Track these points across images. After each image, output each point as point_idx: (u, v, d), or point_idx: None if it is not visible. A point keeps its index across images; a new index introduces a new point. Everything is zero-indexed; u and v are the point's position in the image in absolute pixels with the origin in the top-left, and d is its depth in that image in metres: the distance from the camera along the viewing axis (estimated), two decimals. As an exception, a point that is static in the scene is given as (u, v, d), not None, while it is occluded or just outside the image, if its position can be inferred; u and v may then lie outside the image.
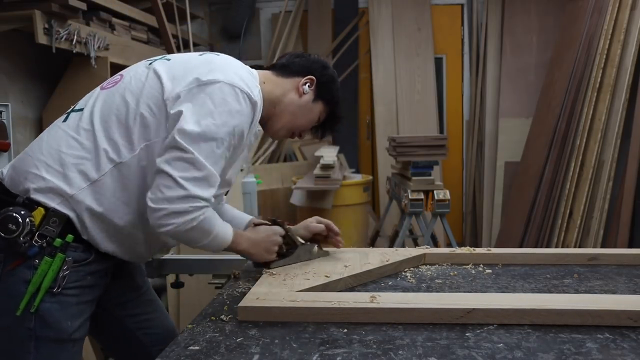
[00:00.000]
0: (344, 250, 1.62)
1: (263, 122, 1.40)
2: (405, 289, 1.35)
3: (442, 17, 4.78)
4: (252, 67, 1.40)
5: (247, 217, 1.58)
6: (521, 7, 4.48)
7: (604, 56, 3.46)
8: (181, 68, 1.25)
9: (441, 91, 4.83)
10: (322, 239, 1.60)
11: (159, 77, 1.24)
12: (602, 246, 3.41)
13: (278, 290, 1.24)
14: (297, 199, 3.67)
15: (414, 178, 3.03)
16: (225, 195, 1.50)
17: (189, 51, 3.96)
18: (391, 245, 3.56)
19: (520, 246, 3.80)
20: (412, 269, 1.55)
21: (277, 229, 1.47)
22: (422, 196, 2.97)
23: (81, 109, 1.27)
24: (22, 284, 1.16)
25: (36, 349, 1.17)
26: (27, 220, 1.14)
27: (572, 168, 3.50)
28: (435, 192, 2.98)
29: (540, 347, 0.97)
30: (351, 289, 1.36)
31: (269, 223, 1.51)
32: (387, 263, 1.48)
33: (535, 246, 3.67)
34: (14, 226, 1.13)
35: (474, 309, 1.09)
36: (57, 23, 2.49)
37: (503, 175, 4.47)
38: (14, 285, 1.16)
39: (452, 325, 1.08)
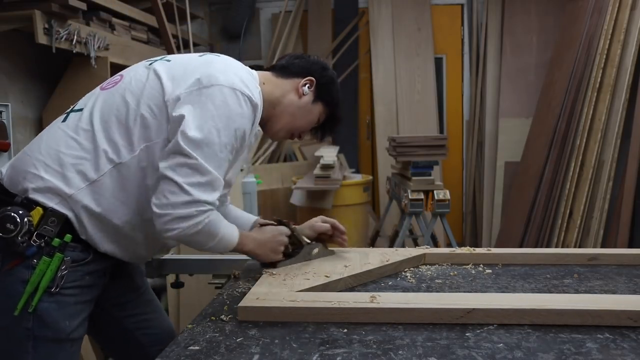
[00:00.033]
0: (344, 250, 1.62)
1: (262, 123, 1.40)
2: (405, 289, 1.35)
3: (442, 17, 4.78)
4: (251, 67, 1.40)
5: (252, 218, 1.58)
6: (521, 7, 4.48)
7: (604, 56, 3.46)
8: (181, 69, 1.25)
9: (441, 91, 4.83)
10: (327, 238, 1.61)
11: (159, 78, 1.24)
12: (602, 246, 3.41)
13: (278, 290, 1.24)
14: (297, 199, 3.67)
15: (414, 178, 3.03)
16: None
17: (189, 51, 3.96)
18: (391, 245, 3.56)
19: (520, 246, 3.80)
20: (412, 269, 1.55)
21: (283, 229, 1.47)
22: (422, 196, 2.96)
23: (80, 109, 1.27)
24: (20, 283, 1.16)
25: (34, 348, 1.17)
26: (25, 219, 1.14)
27: (572, 168, 3.50)
28: (435, 192, 2.98)
29: (540, 347, 0.97)
30: (351, 289, 1.36)
31: (275, 223, 1.51)
32: (387, 263, 1.48)
33: (535, 246, 3.67)
34: (12, 226, 1.13)
35: (474, 309, 1.09)
36: (57, 23, 2.49)
37: (503, 175, 4.47)
38: (12, 285, 1.16)
39: (452, 325, 1.08)
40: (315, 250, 1.55)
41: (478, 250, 1.65)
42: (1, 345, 1.20)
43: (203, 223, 1.20)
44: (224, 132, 1.19)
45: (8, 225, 1.13)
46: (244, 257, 1.66)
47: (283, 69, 1.43)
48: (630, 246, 3.32)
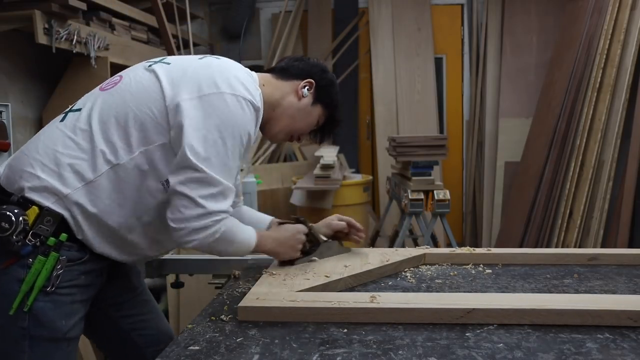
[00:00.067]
0: (360, 250, 1.64)
1: (261, 125, 1.39)
2: (405, 289, 1.35)
3: (442, 17, 4.78)
4: (251, 67, 1.39)
5: (267, 218, 1.60)
6: (521, 7, 4.48)
7: (604, 56, 3.46)
8: (181, 74, 1.24)
9: (441, 91, 4.83)
10: (343, 236, 1.62)
11: (159, 81, 1.23)
12: (602, 246, 3.41)
13: (278, 290, 1.24)
14: (297, 199, 3.67)
15: (414, 178, 3.03)
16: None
17: (189, 51, 3.96)
18: (391, 245, 3.56)
19: (520, 246, 3.80)
20: (412, 269, 1.55)
21: (301, 227, 1.49)
22: (422, 196, 2.96)
23: (79, 109, 1.27)
24: (16, 283, 1.15)
25: (30, 348, 1.17)
26: (21, 218, 1.14)
27: (572, 168, 3.50)
28: (435, 192, 2.98)
29: (540, 347, 0.97)
30: (351, 289, 1.36)
31: (293, 222, 1.53)
32: (387, 263, 1.49)
33: (535, 246, 3.67)
34: (6, 224, 1.13)
35: (474, 309, 1.09)
36: (57, 23, 2.49)
37: (503, 175, 4.47)
38: (8, 284, 1.16)
39: (452, 325, 1.08)
40: (332, 248, 1.58)
41: (478, 250, 1.65)
42: None
43: (220, 232, 1.23)
44: (229, 140, 1.20)
45: (3, 224, 1.13)
46: (244, 257, 1.67)
47: (283, 71, 1.43)
48: (630, 246, 3.32)
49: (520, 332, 1.04)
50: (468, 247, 1.68)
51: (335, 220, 1.60)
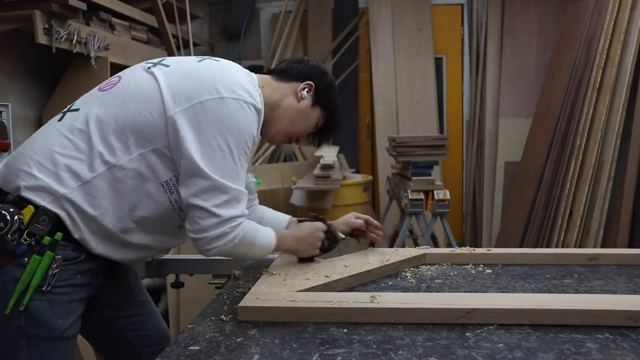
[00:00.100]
0: (377, 249, 1.66)
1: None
2: (405, 289, 1.35)
3: (442, 17, 4.78)
4: (250, 67, 1.39)
5: (286, 217, 1.62)
6: (521, 7, 4.48)
7: (604, 56, 3.46)
8: (181, 79, 1.23)
9: (441, 91, 4.83)
10: (361, 234, 1.65)
11: (159, 87, 1.22)
12: (602, 246, 3.41)
13: (278, 290, 1.24)
14: (297, 199, 3.67)
15: (414, 178, 3.03)
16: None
17: (189, 51, 3.96)
18: (391, 245, 3.56)
19: (520, 246, 3.80)
20: (412, 269, 1.55)
21: (320, 224, 1.52)
22: (422, 196, 2.96)
23: (77, 109, 1.26)
24: (11, 282, 1.15)
25: (28, 347, 1.17)
26: (16, 217, 1.14)
27: (572, 168, 3.50)
28: (435, 192, 2.98)
29: (540, 347, 0.97)
30: (351, 289, 1.36)
31: (312, 220, 1.56)
32: (387, 263, 1.49)
33: (535, 246, 3.67)
34: (1, 223, 1.12)
35: (474, 309, 1.09)
36: (57, 23, 2.49)
37: (503, 175, 4.47)
38: (3, 283, 1.16)
39: (452, 325, 1.08)
40: (350, 245, 1.61)
41: (478, 250, 1.65)
42: None
43: (239, 237, 1.24)
44: (234, 144, 1.20)
45: None
46: (242, 259, 1.67)
47: (282, 73, 1.43)
48: (630, 246, 3.32)
49: (520, 332, 1.04)
50: (468, 247, 1.68)
51: (353, 218, 1.63)
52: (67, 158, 1.19)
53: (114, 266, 1.35)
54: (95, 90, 1.31)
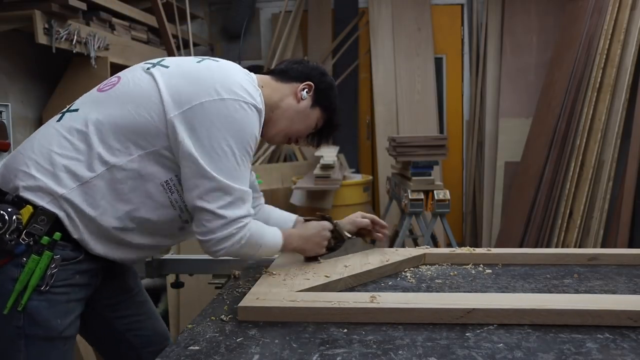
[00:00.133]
0: (383, 249, 1.66)
1: None
2: (405, 289, 1.35)
3: (442, 17, 4.78)
4: (250, 67, 1.39)
5: (292, 217, 1.63)
6: (521, 7, 4.48)
7: (604, 56, 3.46)
8: (181, 80, 1.23)
9: (441, 91, 4.83)
10: (367, 233, 1.66)
11: (158, 89, 1.21)
12: (602, 246, 3.41)
13: (278, 290, 1.24)
14: (297, 199, 3.67)
15: (414, 178, 3.03)
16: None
17: (189, 51, 3.96)
18: (391, 245, 3.56)
19: (520, 246, 3.80)
20: (412, 269, 1.55)
21: (326, 224, 1.53)
22: (422, 196, 2.96)
23: (76, 110, 1.26)
24: (10, 282, 1.15)
25: (26, 347, 1.17)
26: (14, 217, 1.13)
27: (572, 168, 3.50)
28: (435, 192, 2.98)
29: (540, 347, 0.97)
30: (351, 289, 1.36)
31: (318, 219, 1.57)
32: (387, 263, 1.49)
33: (535, 246, 3.67)
34: None
35: (474, 309, 1.09)
36: (57, 23, 2.49)
37: (503, 175, 4.47)
38: (2, 283, 1.16)
39: (452, 325, 1.08)
40: (356, 245, 1.62)
41: (478, 250, 1.65)
42: None
43: (245, 237, 1.25)
44: (237, 146, 1.20)
45: None
46: (250, 260, 1.67)
47: (282, 73, 1.43)
48: (630, 246, 3.32)
49: (520, 332, 1.04)
50: (468, 247, 1.68)
51: (359, 218, 1.64)
52: (65, 158, 1.19)
53: (113, 266, 1.35)
54: (94, 90, 1.31)
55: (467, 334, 1.04)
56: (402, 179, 3.33)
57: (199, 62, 1.30)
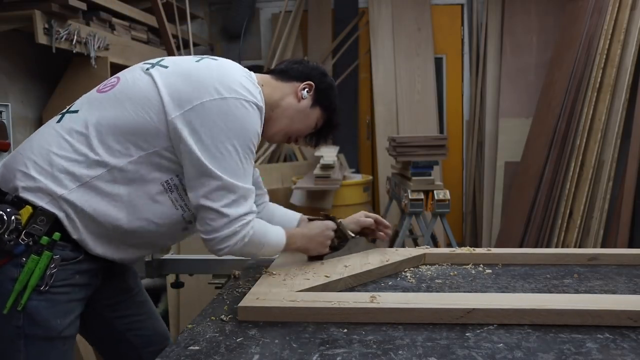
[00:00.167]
0: (385, 249, 1.66)
1: None
2: (405, 289, 1.35)
3: (442, 17, 4.78)
4: (250, 67, 1.39)
5: (296, 215, 1.63)
6: (521, 7, 4.48)
7: (604, 56, 3.46)
8: (180, 80, 1.23)
9: (441, 91, 4.83)
10: (370, 232, 1.66)
11: (157, 89, 1.21)
12: (602, 246, 3.41)
13: (278, 290, 1.24)
14: (297, 199, 3.67)
15: (414, 178, 3.03)
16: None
17: (189, 51, 3.96)
18: (391, 245, 3.56)
19: (520, 246, 3.80)
20: (412, 269, 1.55)
21: (330, 223, 1.53)
22: (422, 196, 2.96)
23: (76, 111, 1.26)
24: (10, 282, 1.15)
25: (26, 347, 1.17)
26: (13, 218, 1.13)
27: (572, 168, 3.50)
28: (435, 192, 2.98)
29: (540, 347, 0.97)
30: (351, 289, 1.36)
31: (322, 218, 1.57)
32: (387, 263, 1.49)
33: (535, 246, 3.67)
34: None
35: (474, 309, 1.09)
36: (57, 23, 2.49)
37: (503, 175, 4.47)
38: (1, 283, 1.16)
39: (452, 325, 1.08)
40: (360, 244, 1.62)
41: (478, 250, 1.65)
42: None
43: (249, 235, 1.26)
44: (239, 144, 1.20)
45: None
46: (254, 259, 1.67)
47: (282, 73, 1.44)
48: (630, 246, 3.32)
49: (520, 332, 1.04)
50: (468, 247, 1.68)
51: (362, 217, 1.63)
52: (65, 160, 1.19)
53: (112, 266, 1.35)
54: (94, 91, 1.30)
55: (467, 334, 1.04)
56: (402, 179, 3.33)
57: (198, 61, 1.30)
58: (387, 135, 4.23)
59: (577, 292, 1.31)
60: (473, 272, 1.51)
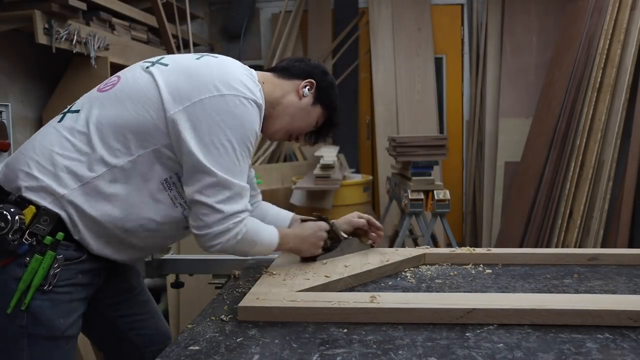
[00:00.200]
0: (379, 250, 1.65)
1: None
2: (405, 289, 1.35)
3: (442, 17, 4.78)
4: (250, 67, 1.39)
5: (289, 215, 1.63)
6: (521, 7, 4.49)
7: (604, 56, 3.46)
8: (180, 77, 1.23)
9: (441, 91, 4.83)
10: (363, 233, 1.65)
11: (157, 87, 1.22)
12: (602, 246, 3.41)
13: (278, 290, 1.24)
14: (297, 199, 3.67)
15: (414, 178, 3.03)
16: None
17: (189, 51, 3.96)
18: (391, 245, 3.56)
19: (520, 246, 3.80)
20: (412, 269, 1.55)
21: (323, 224, 1.52)
22: (422, 196, 2.97)
23: (77, 111, 1.26)
24: (13, 281, 1.16)
25: (29, 346, 1.17)
26: (17, 218, 1.14)
27: (572, 168, 3.50)
28: (435, 192, 2.98)
29: (540, 347, 0.97)
30: (351, 289, 1.36)
31: (315, 219, 1.56)
32: (387, 263, 1.48)
33: (535, 246, 3.67)
34: (2, 223, 1.13)
35: (474, 309, 1.09)
36: (57, 23, 2.49)
37: (503, 175, 4.47)
38: (6, 282, 1.16)
39: (452, 325, 1.08)
40: (352, 245, 1.61)
41: (478, 250, 1.65)
42: None
43: (242, 233, 1.25)
44: (236, 141, 1.20)
45: None
46: (244, 257, 1.67)
47: (283, 71, 1.44)
48: (630, 246, 3.32)
49: (520, 332, 1.04)
50: (468, 247, 1.68)
51: (355, 218, 1.63)
52: (66, 159, 1.20)
53: (115, 266, 1.35)
54: (94, 91, 1.31)
55: (467, 334, 1.04)
56: (402, 179, 3.33)
57: (198, 58, 1.31)
58: (387, 135, 4.23)
59: (577, 292, 1.31)
60: (473, 272, 1.51)
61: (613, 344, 0.98)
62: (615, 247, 3.27)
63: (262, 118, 1.28)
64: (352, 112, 4.71)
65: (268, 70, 1.46)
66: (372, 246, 1.67)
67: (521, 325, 1.07)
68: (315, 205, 3.52)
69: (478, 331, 1.05)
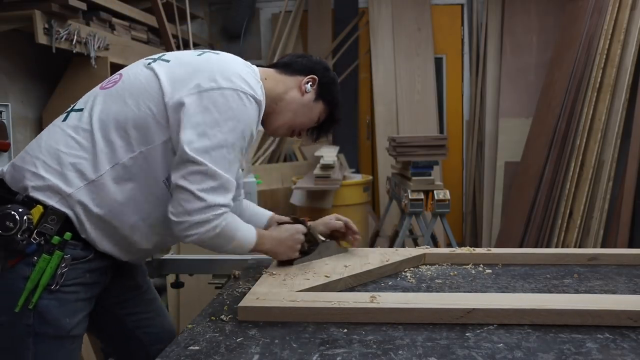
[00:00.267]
0: (357, 250, 1.64)
1: (263, 119, 1.39)
2: (405, 289, 1.35)
3: (442, 17, 4.78)
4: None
5: (267, 214, 1.61)
6: (521, 7, 4.49)
7: (604, 56, 3.46)
8: (181, 70, 1.24)
9: (441, 91, 4.83)
10: (341, 236, 1.63)
11: (158, 79, 1.23)
12: (602, 246, 3.41)
13: (278, 290, 1.24)
14: (297, 199, 3.67)
15: (414, 178, 3.03)
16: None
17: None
18: (391, 245, 3.56)
19: (520, 246, 3.80)
20: (412, 269, 1.55)
21: (300, 227, 1.50)
22: (422, 196, 2.96)
23: (81, 109, 1.27)
24: (22, 280, 1.16)
25: (35, 345, 1.18)
26: (25, 217, 1.14)
27: (572, 168, 3.50)
28: (435, 192, 2.98)
29: (540, 347, 0.97)
30: (351, 289, 1.36)
31: (292, 221, 1.53)
32: (387, 263, 1.49)
33: (535, 246, 3.67)
34: (11, 224, 1.13)
35: (474, 309, 1.09)
36: (57, 23, 2.49)
37: (503, 175, 4.47)
38: (14, 281, 1.17)
39: (452, 325, 1.08)
40: (330, 248, 1.58)
41: (478, 250, 1.65)
42: (3, 342, 1.20)
43: (220, 226, 1.22)
44: (229, 134, 1.20)
45: (7, 223, 1.13)
46: (244, 257, 1.67)
47: (286, 66, 1.44)
48: (630, 246, 3.32)
49: (520, 332, 1.04)
50: (468, 247, 1.68)
51: (332, 220, 1.61)
52: (72, 157, 1.20)
53: (122, 264, 1.35)
54: (97, 88, 1.32)
55: (467, 334, 1.04)
56: (402, 179, 3.33)
57: (199, 55, 1.32)
58: (387, 135, 4.23)
59: (577, 292, 1.31)
60: (473, 272, 1.51)
61: (613, 344, 0.98)
62: (615, 247, 3.27)
63: (261, 115, 1.28)
64: (352, 112, 4.72)
65: (270, 66, 1.46)
66: (350, 244, 1.64)
67: (521, 325, 1.07)
68: (315, 205, 3.52)
69: (478, 331, 1.05)
